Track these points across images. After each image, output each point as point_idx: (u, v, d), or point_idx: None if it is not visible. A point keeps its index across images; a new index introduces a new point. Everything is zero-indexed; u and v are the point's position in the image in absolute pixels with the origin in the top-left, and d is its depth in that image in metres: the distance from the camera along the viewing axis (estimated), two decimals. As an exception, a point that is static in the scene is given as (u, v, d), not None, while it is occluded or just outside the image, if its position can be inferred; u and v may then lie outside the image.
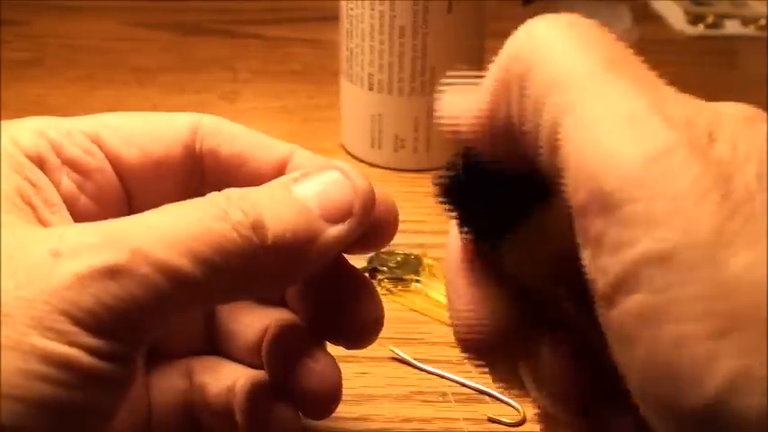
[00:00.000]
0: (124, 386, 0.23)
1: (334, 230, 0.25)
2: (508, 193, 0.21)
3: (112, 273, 0.22)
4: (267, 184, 0.26)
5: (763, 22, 0.70)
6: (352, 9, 0.48)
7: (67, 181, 0.26)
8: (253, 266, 0.24)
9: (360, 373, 0.35)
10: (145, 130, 0.28)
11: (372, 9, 0.47)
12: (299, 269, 0.25)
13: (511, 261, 0.22)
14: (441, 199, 0.22)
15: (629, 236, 0.16)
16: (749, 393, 0.15)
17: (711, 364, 0.15)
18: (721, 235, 0.16)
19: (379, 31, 0.47)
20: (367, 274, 0.40)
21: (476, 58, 0.50)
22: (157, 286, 0.22)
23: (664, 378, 0.16)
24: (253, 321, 0.30)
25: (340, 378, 0.28)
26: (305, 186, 0.25)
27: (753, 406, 0.15)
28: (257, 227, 0.23)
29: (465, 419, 0.33)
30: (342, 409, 0.34)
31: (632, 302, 0.16)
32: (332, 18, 0.52)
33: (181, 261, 0.22)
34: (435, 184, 0.22)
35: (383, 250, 0.40)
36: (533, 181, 0.20)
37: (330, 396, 0.28)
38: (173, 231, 0.23)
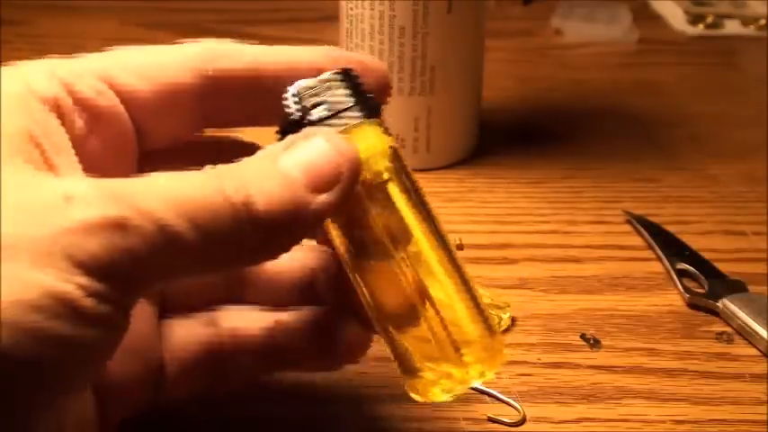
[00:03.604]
0: (117, 329, 0.24)
1: (320, 200, 0.26)
2: None
3: (118, 225, 0.23)
4: (257, 154, 0.26)
5: (763, 22, 0.70)
6: (352, 9, 0.48)
7: (79, 122, 0.27)
8: (242, 239, 0.25)
9: (360, 373, 0.35)
10: (154, 61, 0.28)
11: (372, 9, 0.47)
12: (288, 240, 0.26)
13: None
14: None
15: None
16: None
17: None
18: None
19: (379, 31, 0.47)
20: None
21: (476, 58, 0.50)
22: (155, 244, 0.23)
23: None
24: (291, 264, 0.32)
25: None
26: (291, 157, 0.26)
27: None
28: (247, 202, 0.25)
29: (465, 419, 0.33)
30: (341, 409, 0.34)
31: None
32: (332, 18, 0.52)
33: (180, 224, 0.23)
34: None
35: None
36: None
37: None
38: (175, 196, 0.24)
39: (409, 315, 0.28)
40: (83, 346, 0.23)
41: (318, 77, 0.28)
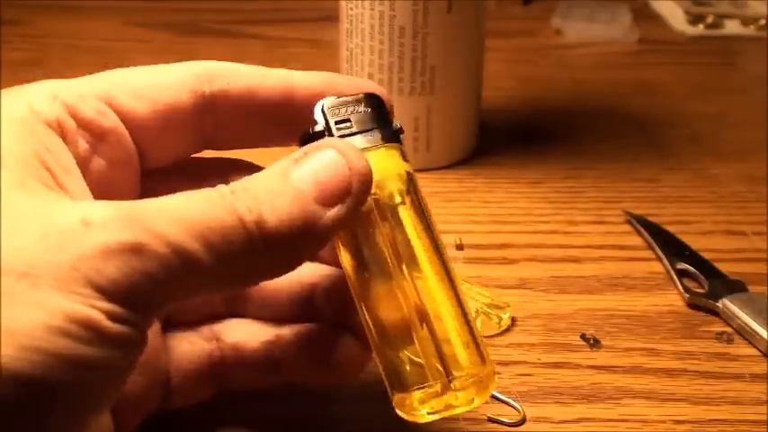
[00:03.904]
0: (137, 349, 0.24)
1: (331, 214, 0.26)
2: None
3: (135, 249, 0.23)
4: (269, 169, 0.26)
5: (763, 22, 0.70)
6: (352, 9, 0.48)
7: (83, 143, 0.27)
8: (255, 258, 0.25)
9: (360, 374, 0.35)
10: (152, 82, 0.29)
11: (372, 9, 0.47)
12: (299, 256, 0.27)
13: None
14: None
15: None
16: None
17: None
18: None
19: (379, 31, 0.47)
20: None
21: (476, 58, 0.50)
22: (171, 266, 0.23)
23: None
24: (290, 279, 0.31)
25: None
26: (302, 168, 0.26)
27: None
28: (259, 221, 0.25)
29: (465, 419, 0.33)
30: (341, 410, 0.34)
31: None
32: (332, 18, 0.52)
33: (194, 246, 0.24)
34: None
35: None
36: None
37: None
38: (189, 217, 0.24)
39: (405, 334, 0.28)
40: (107, 367, 0.23)
41: (348, 97, 0.29)
